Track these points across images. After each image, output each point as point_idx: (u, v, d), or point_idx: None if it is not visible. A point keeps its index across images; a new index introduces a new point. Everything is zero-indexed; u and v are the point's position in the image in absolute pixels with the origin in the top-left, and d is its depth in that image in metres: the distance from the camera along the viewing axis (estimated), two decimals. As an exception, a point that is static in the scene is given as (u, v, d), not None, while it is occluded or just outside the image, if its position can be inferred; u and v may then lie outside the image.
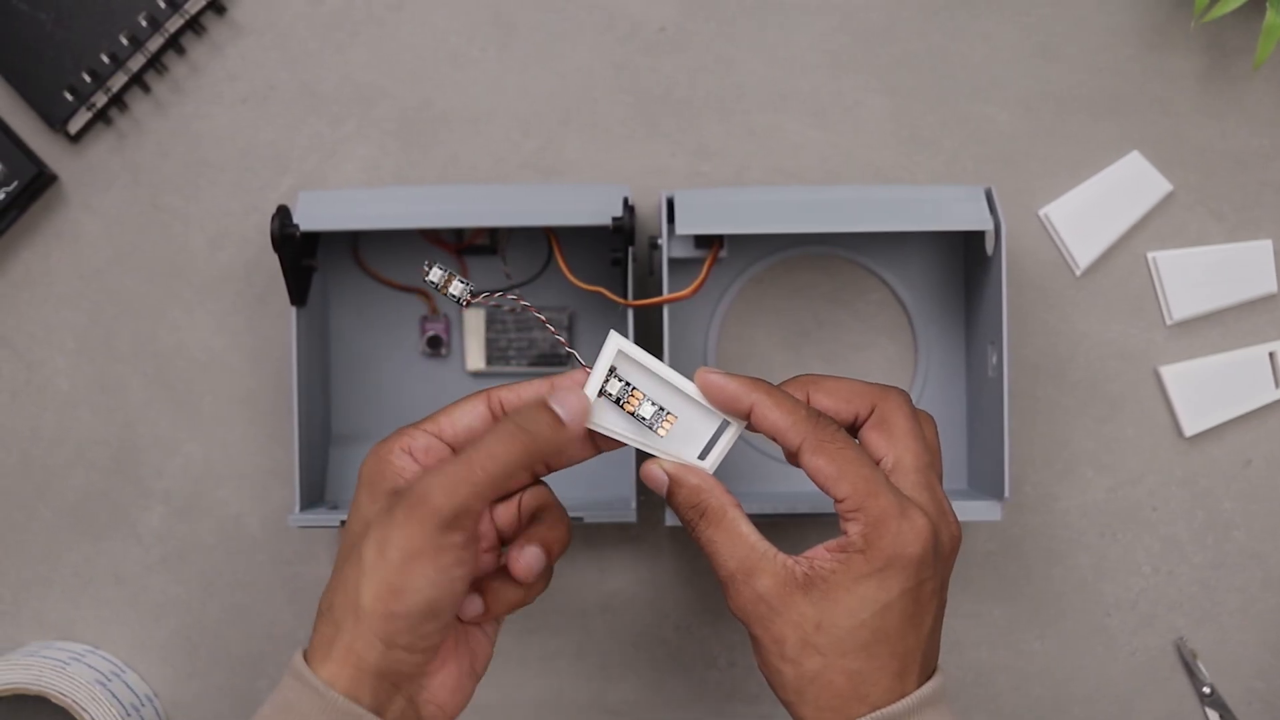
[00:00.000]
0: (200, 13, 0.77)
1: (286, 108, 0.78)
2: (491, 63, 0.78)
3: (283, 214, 0.71)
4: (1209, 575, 0.78)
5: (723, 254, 0.74)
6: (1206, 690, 0.78)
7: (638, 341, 0.61)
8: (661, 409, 0.60)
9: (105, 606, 0.79)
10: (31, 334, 0.79)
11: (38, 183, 0.77)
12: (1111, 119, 0.78)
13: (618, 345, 0.60)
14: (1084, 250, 0.77)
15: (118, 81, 0.77)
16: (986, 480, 0.73)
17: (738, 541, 0.58)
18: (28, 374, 0.79)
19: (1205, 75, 0.78)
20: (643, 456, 0.61)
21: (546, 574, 0.61)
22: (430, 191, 0.75)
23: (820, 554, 0.57)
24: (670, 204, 0.73)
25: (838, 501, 0.57)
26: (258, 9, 0.78)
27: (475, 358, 0.78)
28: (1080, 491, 0.78)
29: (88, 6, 0.76)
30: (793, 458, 0.59)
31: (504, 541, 0.61)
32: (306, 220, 0.72)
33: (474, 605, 0.60)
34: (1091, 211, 0.77)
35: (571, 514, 0.62)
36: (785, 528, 0.74)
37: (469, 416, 0.60)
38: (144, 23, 0.76)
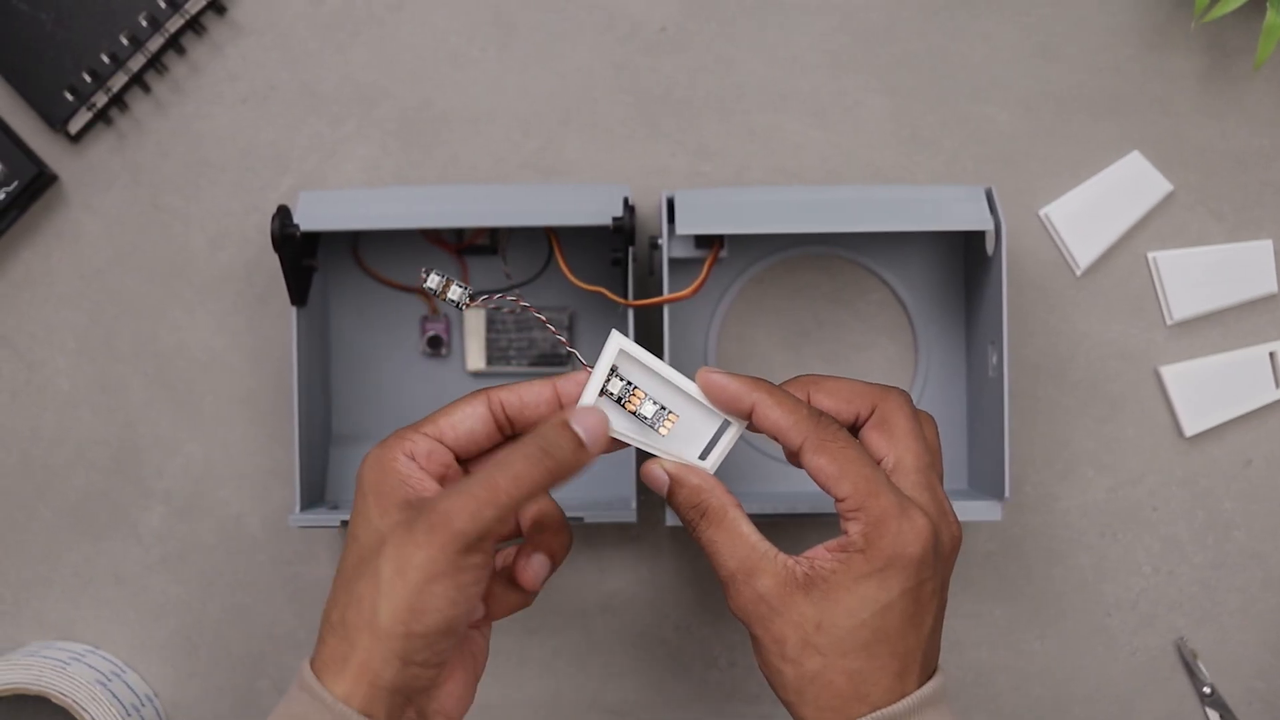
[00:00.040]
0: (200, 13, 0.77)
1: (287, 108, 0.78)
2: (492, 63, 0.78)
3: (283, 214, 0.71)
4: (1209, 575, 0.78)
5: (723, 254, 0.74)
6: (1207, 690, 0.78)
7: (638, 341, 0.61)
8: (663, 408, 0.60)
9: (105, 606, 0.79)
10: (32, 334, 0.79)
11: (38, 183, 0.77)
12: (1112, 119, 0.78)
13: (620, 344, 0.59)
14: (1084, 250, 0.77)
15: (118, 81, 0.77)
16: (987, 480, 0.73)
17: (738, 541, 0.58)
18: (28, 374, 0.79)
19: (1205, 75, 0.78)
20: (643, 456, 0.61)
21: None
22: (430, 191, 0.75)
23: (821, 554, 0.57)
24: (670, 204, 0.73)
25: (838, 501, 0.57)
26: (258, 9, 0.78)
27: (475, 358, 0.78)
28: (1080, 491, 0.78)
29: (88, 6, 0.76)
30: (794, 457, 0.59)
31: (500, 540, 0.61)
32: (307, 220, 0.72)
33: (476, 610, 0.59)
34: (1092, 211, 0.77)
35: (571, 514, 0.62)
36: (785, 528, 0.74)
37: (470, 419, 0.59)
38: (144, 23, 0.76)
